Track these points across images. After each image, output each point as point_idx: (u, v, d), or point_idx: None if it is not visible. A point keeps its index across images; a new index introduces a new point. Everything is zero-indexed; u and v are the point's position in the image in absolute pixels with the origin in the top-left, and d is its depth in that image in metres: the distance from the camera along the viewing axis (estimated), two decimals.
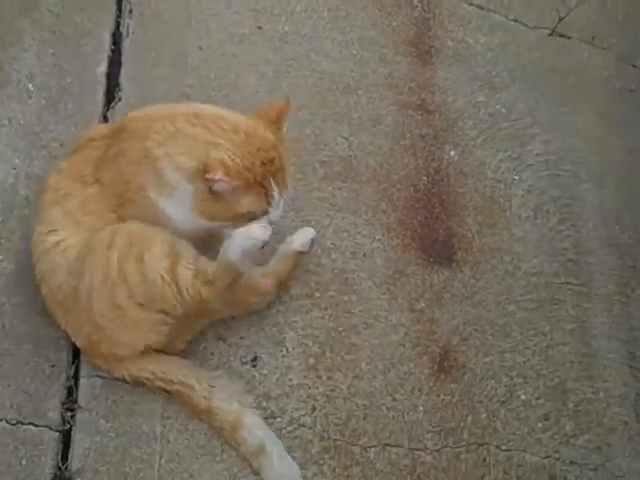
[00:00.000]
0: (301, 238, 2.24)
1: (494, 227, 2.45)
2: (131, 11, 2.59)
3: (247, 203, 1.85)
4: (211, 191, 1.83)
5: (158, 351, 2.00)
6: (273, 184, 1.87)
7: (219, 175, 1.78)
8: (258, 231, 1.87)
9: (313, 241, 2.25)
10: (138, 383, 2.00)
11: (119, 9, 2.59)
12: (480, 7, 2.81)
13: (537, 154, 2.59)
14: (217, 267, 1.92)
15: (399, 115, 2.57)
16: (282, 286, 2.19)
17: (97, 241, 1.92)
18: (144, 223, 1.93)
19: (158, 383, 1.99)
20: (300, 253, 2.22)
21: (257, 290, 2.11)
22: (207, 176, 1.79)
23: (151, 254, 1.88)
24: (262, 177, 1.85)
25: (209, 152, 1.82)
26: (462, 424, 2.15)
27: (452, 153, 2.54)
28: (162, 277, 1.88)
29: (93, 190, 1.97)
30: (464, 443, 2.13)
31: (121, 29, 2.56)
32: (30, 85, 2.42)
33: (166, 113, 1.94)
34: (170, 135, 1.87)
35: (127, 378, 2.00)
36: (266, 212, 1.90)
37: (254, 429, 1.98)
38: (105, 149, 1.98)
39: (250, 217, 1.89)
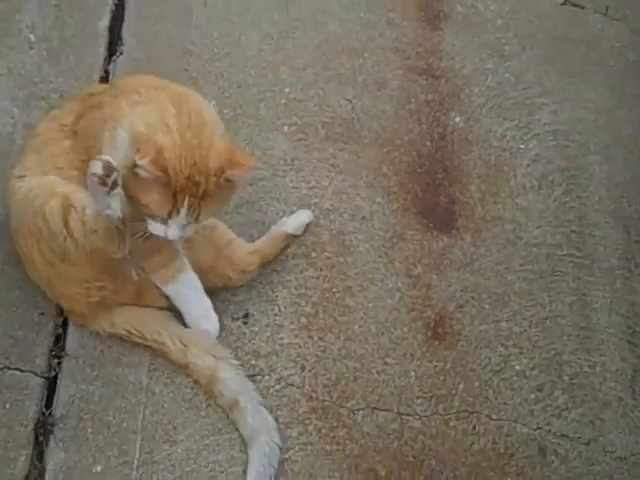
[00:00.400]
0: (295, 220, 2.21)
1: (497, 196, 2.44)
2: None
3: (152, 198, 1.76)
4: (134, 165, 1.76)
5: (132, 305, 2.01)
6: (186, 203, 1.77)
7: (146, 162, 1.69)
8: (92, 165, 1.74)
9: (308, 225, 2.23)
10: (116, 337, 2.02)
11: None
12: None
13: (545, 124, 2.58)
14: (93, 213, 1.84)
15: (405, 80, 2.57)
16: (266, 267, 2.16)
17: (20, 196, 1.93)
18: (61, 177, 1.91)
19: (134, 339, 2.00)
20: (292, 236, 2.19)
21: (239, 266, 2.09)
22: (136, 158, 1.71)
23: (50, 207, 1.85)
24: (180, 188, 1.75)
25: (159, 131, 1.76)
26: (453, 391, 2.15)
27: (457, 120, 2.53)
28: (61, 231, 1.85)
29: (68, 142, 1.95)
30: (454, 411, 2.13)
31: None
32: (31, 36, 2.43)
33: (159, 84, 1.92)
34: (148, 100, 1.83)
35: (102, 333, 2.01)
36: (165, 221, 1.80)
37: (229, 384, 1.98)
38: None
39: (148, 212, 1.80)
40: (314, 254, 2.25)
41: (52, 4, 2.49)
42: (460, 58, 2.64)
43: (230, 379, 1.99)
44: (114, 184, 1.74)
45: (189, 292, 2.01)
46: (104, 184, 1.73)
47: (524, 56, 2.68)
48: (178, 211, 1.78)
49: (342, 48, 2.58)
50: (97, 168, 1.72)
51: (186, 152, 1.75)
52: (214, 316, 2.05)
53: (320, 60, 2.55)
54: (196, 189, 1.76)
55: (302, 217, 2.23)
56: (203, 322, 2.04)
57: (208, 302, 2.04)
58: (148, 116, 1.79)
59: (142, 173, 1.73)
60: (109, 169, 1.72)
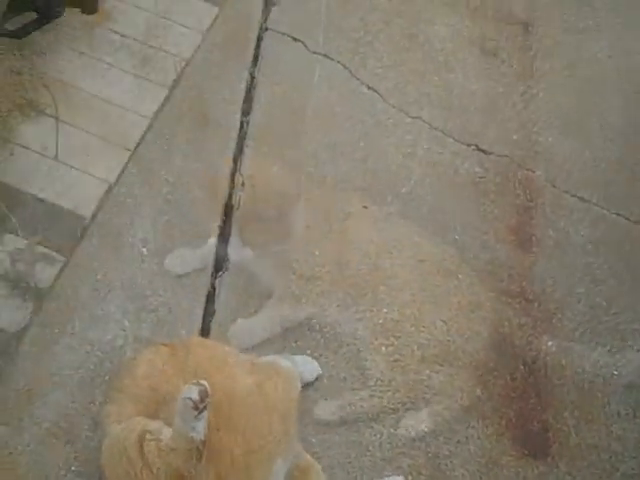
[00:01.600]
0: None
1: (592, 423, 2.55)
2: (243, 184, 2.87)
3: None
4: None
5: None
6: None
7: None
8: (187, 390, 1.84)
9: None
10: None
11: (232, 181, 2.88)
12: (582, 199, 3.02)
13: (638, 350, 2.71)
14: (172, 434, 1.90)
15: (498, 302, 2.75)
16: None
17: (110, 441, 2.03)
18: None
19: None
20: None
21: None
22: None
23: (129, 441, 1.93)
24: None
25: None
26: None
27: (550, 344, 2.69)
28: (137, 460, 1.91)
29: (156, 409, 2.03)
30: None
31: (233, 202, 2.84)
32: (144, 250, 2.68)
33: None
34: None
35: None
36: None
37: None
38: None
39: None
40: (410, 478, 2.37)
41: (164, 219, 2.75)
42: (552, 282, 2.82)
43: None
44: (205, 407, 1.85)
45: None
46: (196, 408, 1.83)
47: (615, 281, 2.85)
48: None
49: (438, 269, 2.78)
50: (193, 393, 1.83)
51: None
52: None
53: (416, 281, 2.75)
54: None
55: None
56: None
57: None
58: None
59: None
60: (204, 394, 1.84)
